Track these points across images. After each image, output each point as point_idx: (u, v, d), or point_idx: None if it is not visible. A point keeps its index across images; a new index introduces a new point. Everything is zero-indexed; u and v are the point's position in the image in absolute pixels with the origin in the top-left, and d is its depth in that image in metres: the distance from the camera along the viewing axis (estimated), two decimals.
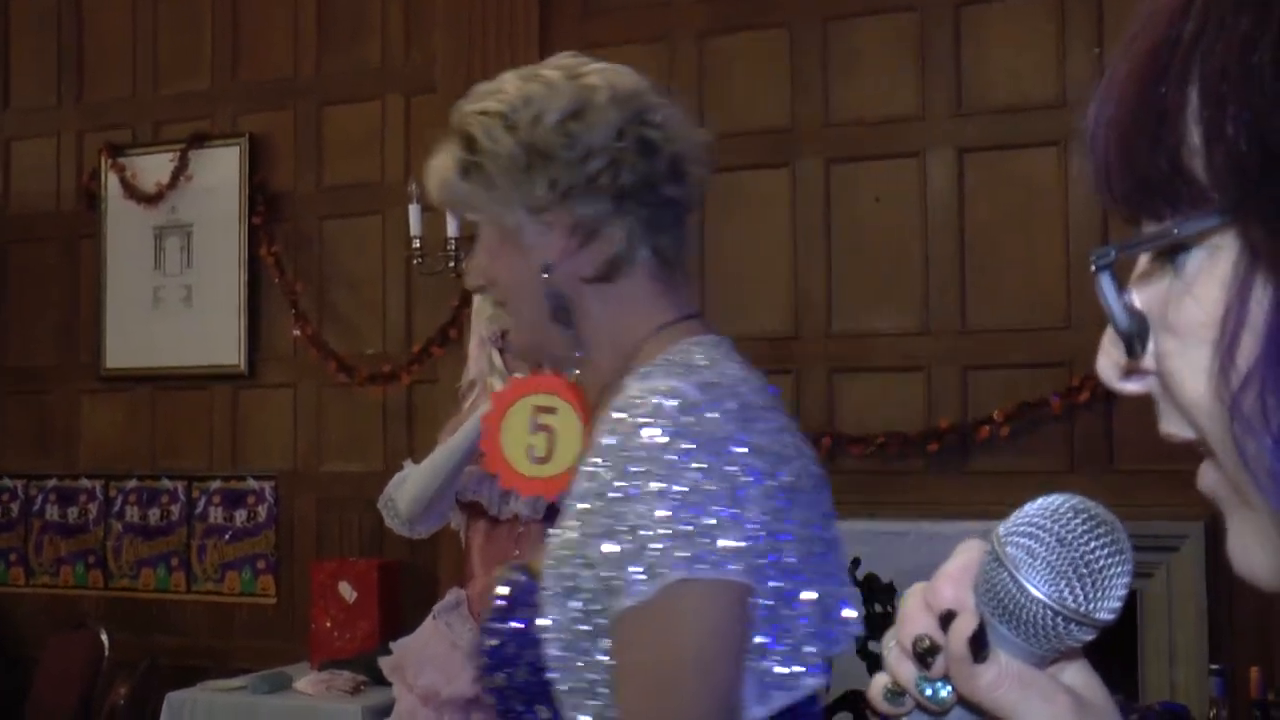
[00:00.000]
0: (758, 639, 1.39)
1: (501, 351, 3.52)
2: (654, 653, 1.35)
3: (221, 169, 5.88)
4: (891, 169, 4.85)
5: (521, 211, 1.50)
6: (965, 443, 4.64)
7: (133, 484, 6.03)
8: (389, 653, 3.72)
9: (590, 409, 1.58)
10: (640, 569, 1.33)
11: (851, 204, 4.88)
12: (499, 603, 1.51)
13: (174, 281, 5.99)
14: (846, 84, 4.91)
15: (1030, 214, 4.66)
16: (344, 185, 5.76)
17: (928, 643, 0.69)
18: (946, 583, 0.70)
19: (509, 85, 1.53)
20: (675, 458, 1.35)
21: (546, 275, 1.51)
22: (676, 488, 1.35)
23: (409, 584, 5.15)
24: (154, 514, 5.98)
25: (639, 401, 1.40)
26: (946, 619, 0.69)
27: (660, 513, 1.34)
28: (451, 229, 4.99)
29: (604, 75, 1.53)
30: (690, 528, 1.34)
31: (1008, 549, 0.68)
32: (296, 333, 5.69)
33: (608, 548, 1.35)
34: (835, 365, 4.88)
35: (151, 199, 5.97)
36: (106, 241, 6.10)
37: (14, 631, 6.14)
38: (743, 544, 1.35)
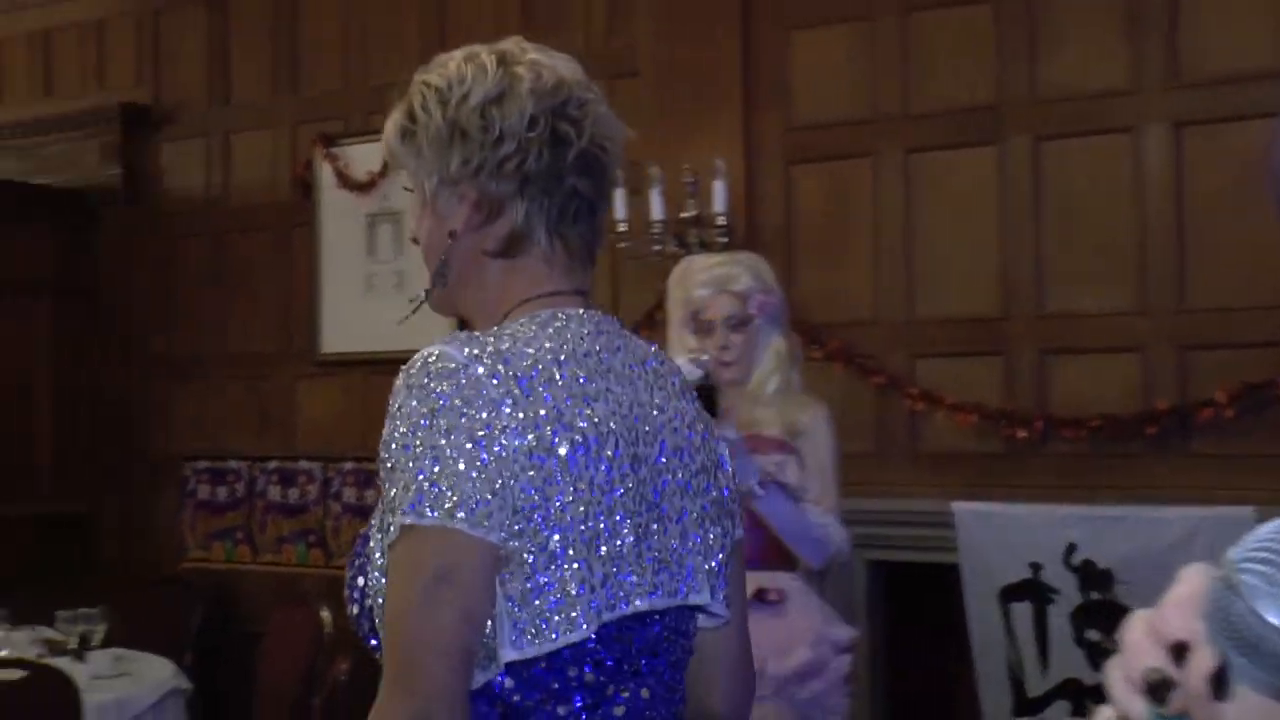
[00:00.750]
0: (508, 587, 1.48)
1: (695, 334, 3.57)
2: (391, 590, 1.48)
3: None
4: (1102, 145, 4.78)
5: (438, 181, 1.65)
6: (1185, 425, 4.55)
7: (349, 465, 6.28)
8: None
9: None
10: (390, 514, 1.48)
11: (1061, 182, 4.83)
12: (357, 546, 1.64)
13: (386, 268, 6.20)
14: (1054, 58, 4.85)
15: (1251, 188, 4.54)
16: None
17: (1160, 676, 0.66)
18: (1175, 611, 0.67)
19: (452, 63, 1.67)
20: (404, 407, 1.49)
21: (450, 242, 1.66)
22: (410, 434, 1.48)
23: None
24: (369, 494, 6.21)
25: (415, 358, 1.53)
26: (1179, 651, 0.66)
27: (402, 460, 1.47)
28: (656, 212, 5.09)
29: (533, 66, 1.65)
30: (422, 477, 1.45)
31: (1244, 577, 0.65)
32: None
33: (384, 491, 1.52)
34: (1046, 347, 4.83)
35: (363, 187, 6.20)
36: (321, 230, 6.35)
37: (243, 607, 6.45)
38: (472, 498, 1.45)
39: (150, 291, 6.88)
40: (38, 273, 6.78)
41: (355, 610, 1.62)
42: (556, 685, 1.52)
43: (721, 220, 5.03)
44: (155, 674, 5.09)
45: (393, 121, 1.71)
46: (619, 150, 1.71)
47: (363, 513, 6.22)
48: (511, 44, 1.69)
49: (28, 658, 4.82)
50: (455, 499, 1.45)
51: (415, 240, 1.74)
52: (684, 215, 5.11)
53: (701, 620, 1.69)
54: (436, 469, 1.46)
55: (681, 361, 3.46)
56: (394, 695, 1.46)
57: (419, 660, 1.45)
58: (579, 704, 1.53)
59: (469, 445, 1.47)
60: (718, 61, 5.29)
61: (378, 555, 1.53)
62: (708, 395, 3.41)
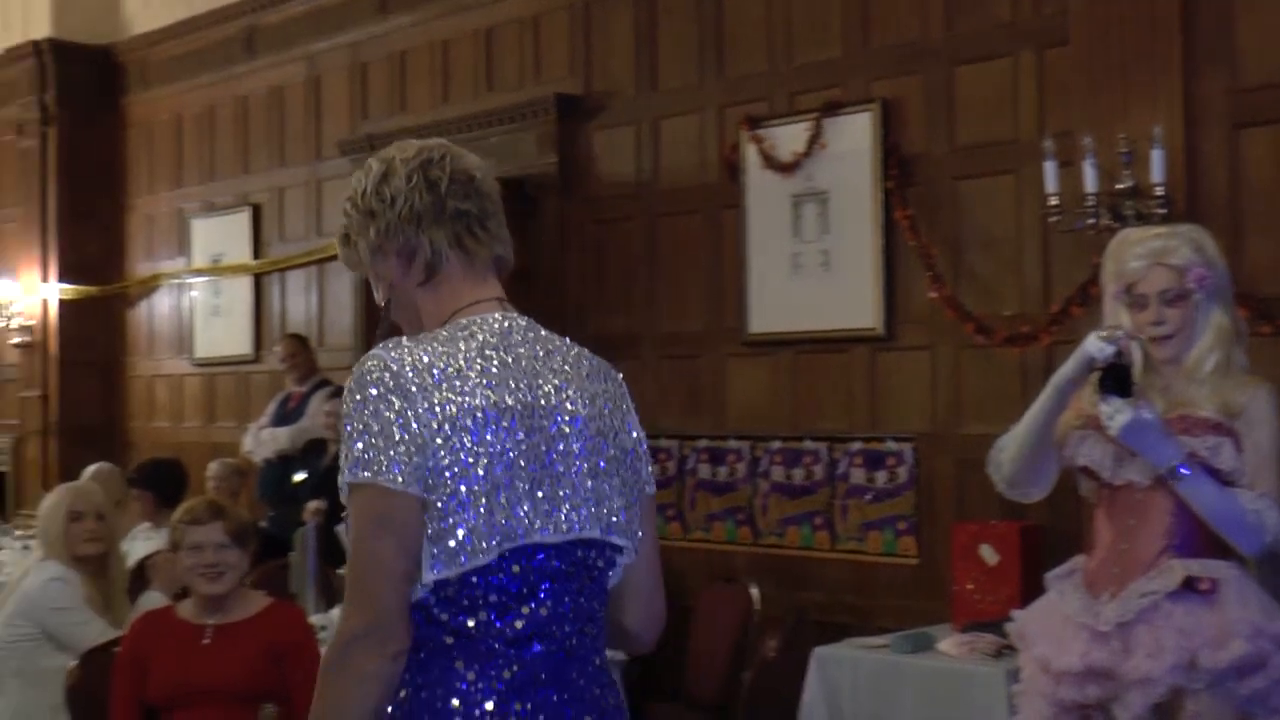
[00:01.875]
0: (427, 527, 2.02)
1: (1128, 308, 3.46)
2: (350, 533, 2.05)
3: (854, 135, 6.07)
4: None
5: (371, 254, 2.23)
6: None
7: (777, 445, 6.37)
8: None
9: None
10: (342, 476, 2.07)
11: None
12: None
13: (811, 248, 6.25)
14: None
15: None
16: (977, 145, 5.79)
17: None
18: None
19: (354, 180, 2.27)
20: (350, 398, 2.07)
21: (396, 290, 2.25)
22: (353, 416, 2.06)
23: (1051, 548, 5.12)
24: (798, 474, 6.28)
25: (361, 360, 2.12)
26: None
27: (346, 436, 2.06)
28: (1089, 184, 4.92)
29: (401, 148, 2.27)
30: (360, 448, 2.03)
31: None
32: (932, 295, 5.78)
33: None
34: None
35: (788, 168, 6.26)
36: (747, 211, 6.45)
37: (673, 582, 6.63)
38: (396, 461, 2.01)
39: (585, 274, 7.17)
40: None
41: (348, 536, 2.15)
42: (466, 602, 2.05)
43: (1159, 191, 4.81)
44: None
45: (353, 194, 2.27)
46: (488, 176, 2.28)
47: (790, 491, 6.29)
48: (390, 149, 2.29)
49: None
50: (384, 462, 2.02)
51: (382, 306, 2.31)
52: (1119, 187, 4.92)
53: (621, 556, 2.21)
54: (370, 441, 2.03)
55: (1091, 339, 3.36)
56: (351, 609, 2.04)
57: (368, 583, 2.03)
58: (488, 615, 2.06)
59: (394, 423, 2.03)
60: (1154, 22, 5.06)
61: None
62: (1120, 373, 3.29)
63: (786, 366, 6.38)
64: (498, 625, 2.06)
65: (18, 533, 8.41)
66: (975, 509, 5.61)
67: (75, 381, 10.23)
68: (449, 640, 2.06)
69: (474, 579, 2.04)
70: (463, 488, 2.03)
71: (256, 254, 9.07)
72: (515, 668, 2.07)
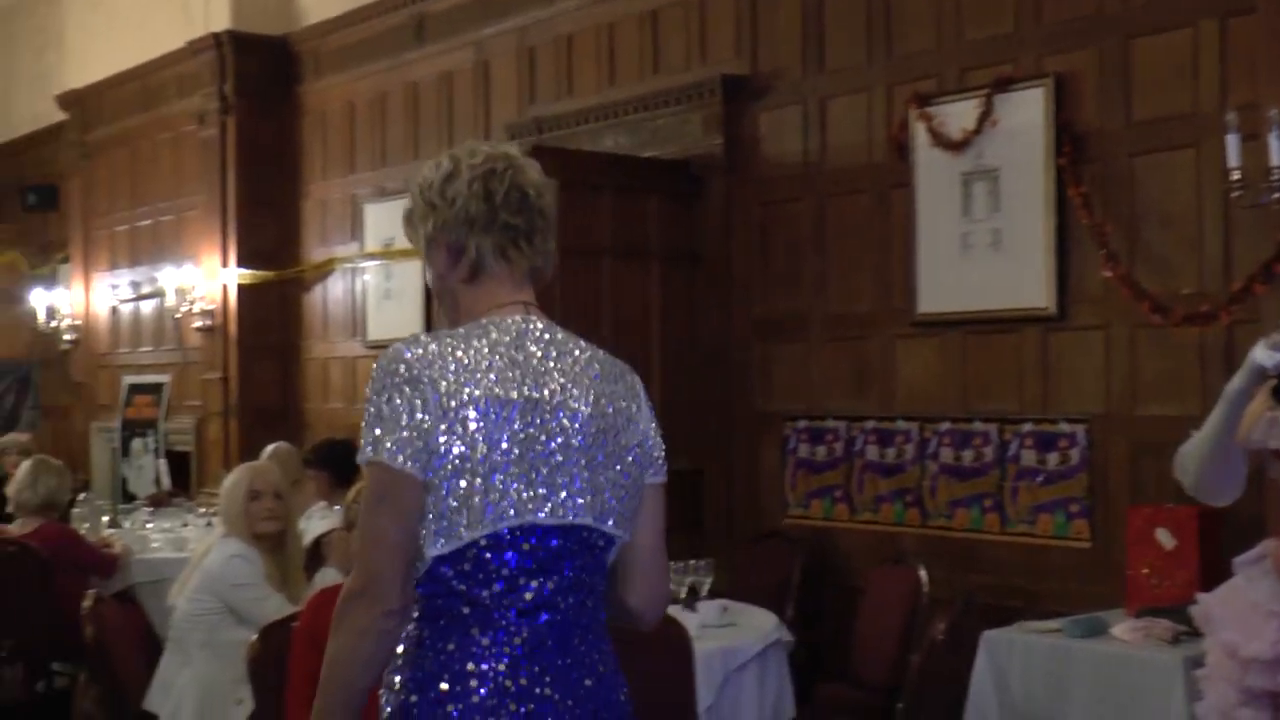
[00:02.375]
0: (431, 506, 2.27)
1: None
2: (361, 504, 2.37)
3: (1026, 111, 5.97)
4: None
5: (425, 243, 2.48)
6: None
7: (946, 426, 6.31)
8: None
9: None
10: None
11: None
12: None
13: (982, 226, 6.17)
14: None
15: None
16: (1154, 119, 5.66)
17: None
18: None
19: (427, 166, 2.49)
20: (370, 386, 2.32)
21: (442, 279, 2.49)
22: (371, 402, 2.31)
23: (1232, 533, 5.00)
24: (967, 455, 6.22)
25: (384, 352, 2.35)
26: None
27: (365, 420, 2.31)
28: (1275, 157, 4.78)
29: (471, 152, 2.47)
30: (378, 431, 2.28)
31: None
32: (1107, 273, 5.67)
33: None
34: None
35: (958, 146, 6.19)
36: (916, 190, 6.40)
37: (841, 562, 6.64)
38: (402, 446, 2.25)
39: (750, 255, 7.17)
40: (647, 239, 7.23)
41: None
42: (481, 576, 2.30)
43: None
44: (759, 625, 5.32)
45: (410, 199, 2.50)
46: (546, 192, 2.48)
47: (960, 473, 6.23)
48: (459, 148, 2.50)
49: None
50: (390, 445, 2.26)
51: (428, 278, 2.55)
52: None
53: (619, 540, 2.43)
54: (380, 426, 2.28)
55: (1260, 348, 3.28)
56: (355, 570, 2.31)
57: (367, 551, 2.29)
58: (499, 588, 2.30)
59: (401, 410, 2.27)
60: None
61: None
62: None
63: (956, 347, 6.31)
64: (509, 597, 2.31)
65: (201, 510, 8.71)
66: (1150, 492, 5.50)
67: (254, 364, 10.53)
68: (466, 610, 2.30)
69: (488, 555, 2.30)
70: (463, 469, 2.28)
71: None
72: (525, 634, 2.32)
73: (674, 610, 5.09)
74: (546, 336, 2.43)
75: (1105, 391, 5.79)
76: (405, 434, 2.26)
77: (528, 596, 2.32)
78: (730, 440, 7.24)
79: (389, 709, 2.34)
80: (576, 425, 2.38)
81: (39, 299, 13.34)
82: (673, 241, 7.29)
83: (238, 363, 10.48)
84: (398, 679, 2.33)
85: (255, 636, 4.45)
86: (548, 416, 2.35)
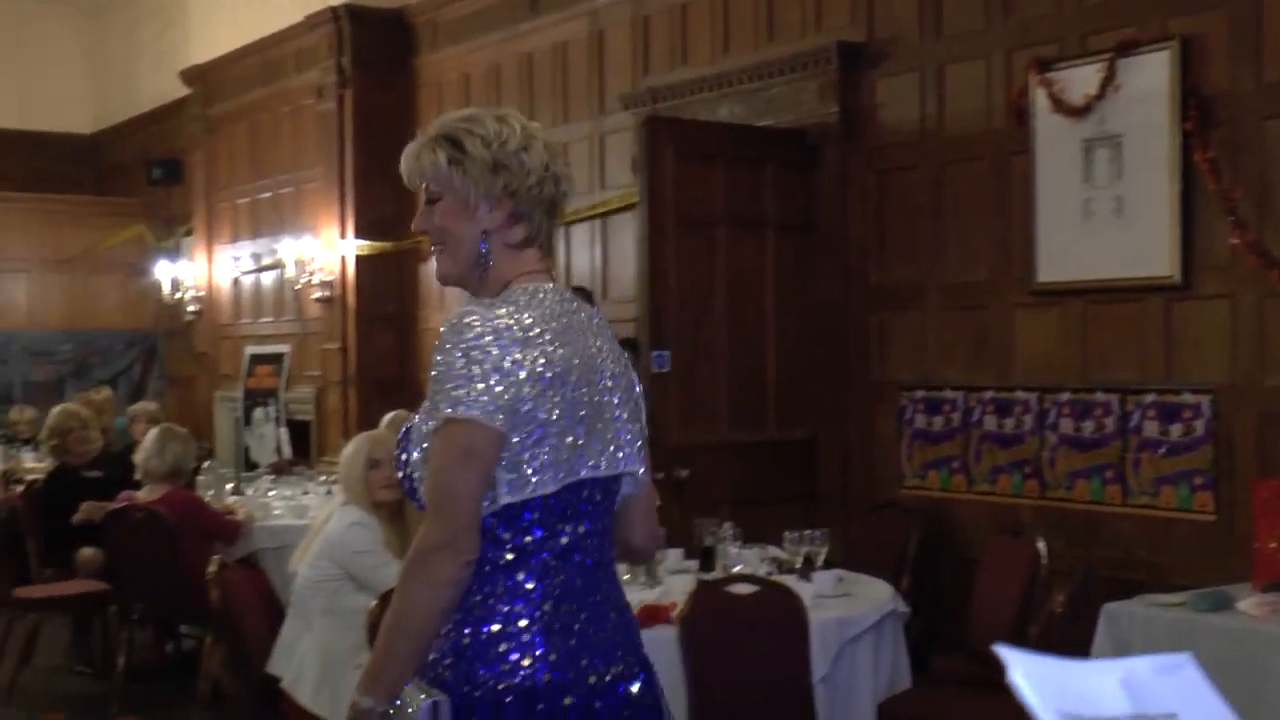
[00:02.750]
0: (507, 458, 2.45)
1: None
2: (436, 458, 2.47)
3: (1151, 75, 5.85)
4: None
5: (481, 195, 2.57)
6: None
7: (1065, 396, 6.22)
8: None
9: None
10: (435, 413, 2.48)
11: None
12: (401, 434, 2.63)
13: (1103, 193, 6.07)
14: None
15: None
16: None
17: None
18: None
19: (487, 119, 2.60)
20: (450, 346, 2.47)
21: (486, 235, 2.59)
22: (453, 363, 2.45)
23: None
24: (1087, 426, 6.13)
25: (453, 316, 2.53)
26: None
27: (445, 379, 2.45)
28: None
29: (538, 131, 2.63)
30: (459, 390, 2.43)
31: None
32: (1234, 240, 5.55)
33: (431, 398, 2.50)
34: None
35: (1079, 111, 6.08)
36: (1036, 157, 6.30)
37: (958, 534, 6.59)
38: (487, 403, 2.42)
39: (867, 223, 7.12)
40: (762, 208, 7.20)
41: (401, 474, 2.60)
42: (523, 524, 2.49)
43: None
44: (875, 595, 5.30)
45: (430, 151, 2.60)
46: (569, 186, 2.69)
47: (1080, 445, 6.15)
48: (516, 117, 2.63)
49: (759, 574, 5.19)
50: (482, 401, 2.42)
51: (420, 233, 2.69)
52: None
53: (625, 485, 2.66)
54: (466, 385, 2.43)
55: None
56: (435, 523, 2.45)
57: (450, 502, 2.44)
58: (540, 535, 2.50)
59: (490, 370, 2.43)
60: None
61: (423, 443, 2.51)
62: None
63: (1076, 316, 6.22)
64: (549, 541, 2.51)
65: (321, 478, 8.86)
66: (1278, 464, 5.39)
67: (371, 334, 10.68)
68: (510, 556, 2.49)
69: (532, 504, 2.49)
70: (540, 429, 2.46)
71: None
72: (562, 576, 2.52)
73: (789, 580, 5.10)
74: (574, 301, 2.65)
75: (1231, 361, 5.68)
76: (497, 389, 2.43)
77: (563, 541, 2.53)
78: (845, 410, 7.21)
79: (436, 653, 2.48)
80: (614, 382, 2.62)
81: (164, 271, 13.63)
82: (788, 210, 7.26)
83: (356, 333, 10.63)
84: (448, 624, 2.48)
85: (374, 602, 4.52)
86: (595, 375, 2.57)
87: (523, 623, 2.47)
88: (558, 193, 2.63)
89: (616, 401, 2.62)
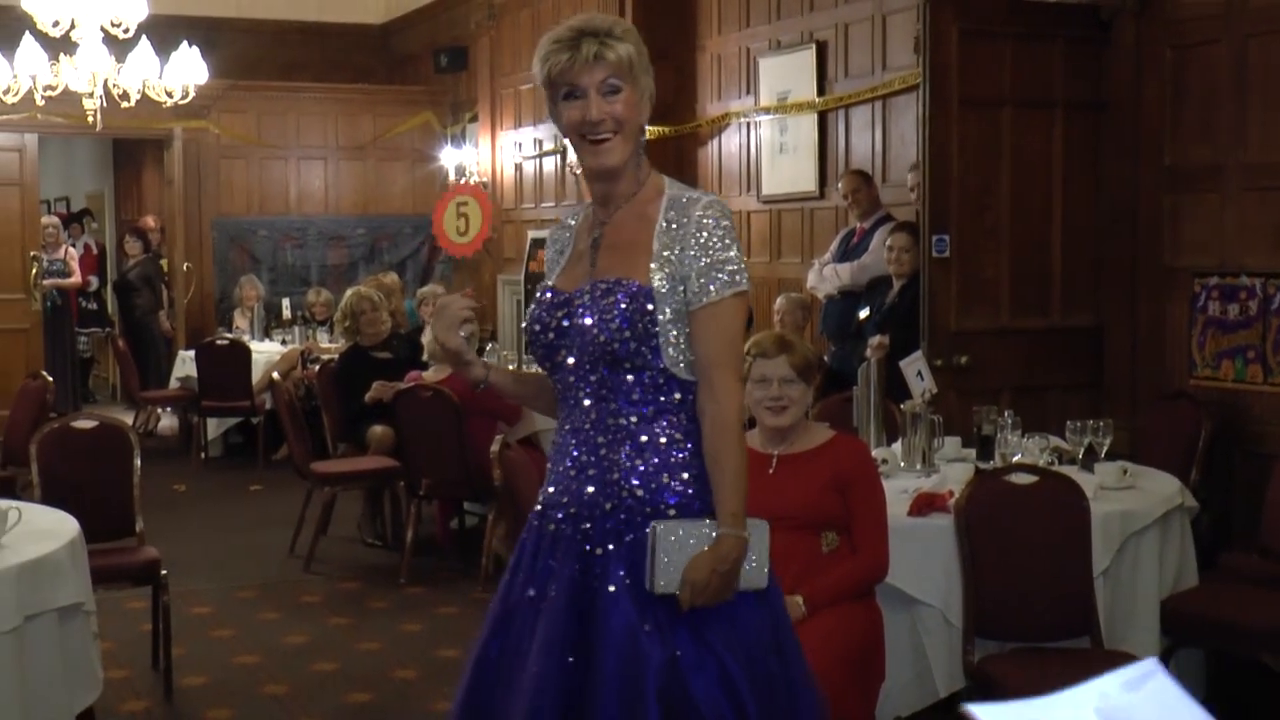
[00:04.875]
0: None
1: None
2: (722, 323, 2.89)
3: None
4: None
5: (643, 92, 2.95)
6: None
7: None
8: None
9: (619, 197, 3.01)
10: (708, 280, 2.88)
11: None
12: (614, 290, 2.92)
13: None
14: None
15: None
16: None
17: None
18: None
19: (635, 40, 2.94)
20: (727, 222, 2.92)
21: (640, 129, 2.97)
22: (732, 237, 2.91)
23: None
24: None
25: (695, 195, 2.94)
26: None
27: (723, 257, 2.88)
28: None
29: None
30: (735, 267, 2.88)
31: None
32: None
33: (698, 269, 2.88)
34: None
35: None
36: None
37: (1253, 427, 6.32)
38: (744, 272, 2.92)
39: (1160, 102, 6.81)
40: (1050, 88, 6.96)
41: (618, 323, 2.86)
42: None
43: None
44: (1161, 489, 5.16)
45: (624, 47, 2.90)
46: None
47: None
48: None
49: (1039, 464, 5.09)
50: (746, 277, 2.92)
51: (600, 122, 2.90)
52: None
53: None
54: (736, 262, 2.89)
55: None
56: (730, 376, 2.89)
57: (738, 360, 2.98)
58: None
59: (738, 247, 2.92)
60: None
61: (668, 305, 2.87)
62: None
63: None
64: None
65: None
66: None
67: None
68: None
69: None
70: None
71: (820, 91, 9.17)
72: None
73: (1070, 471, 5.00)
74: None
75: None
76: (742, 266, 2.93)
77: None
78: (1134, 297, 6.96)
79: (665, 501, 2.87)
80: None
81: (449, 157, 13.99)
82: (1077, 90, 7.00)
83: None
84: (686, 474, 2.89)
85: None
86: None
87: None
88: None
89: None
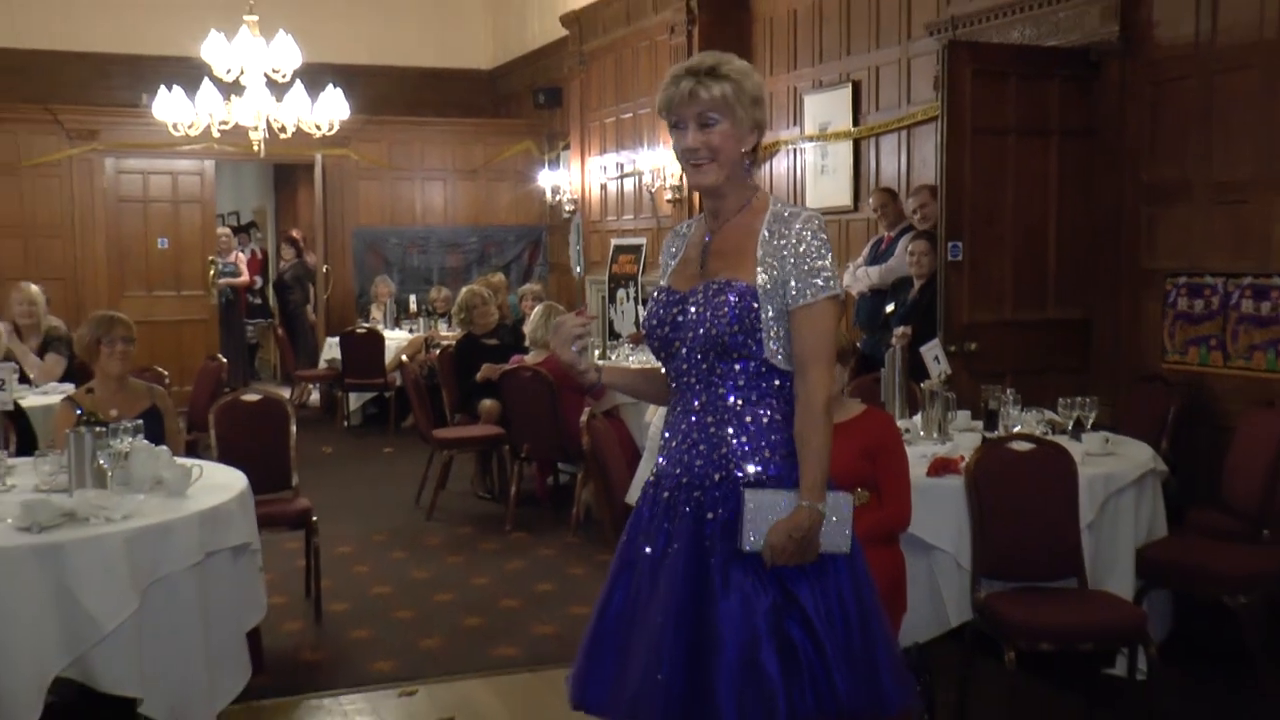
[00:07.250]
0: None
1: None
2: (820, 323, 2.81)
3: None
4: None
5: (749, 122, 2.86)
6: None
7: None
8: None
9: (727, 211, 2.94)
10: (802, 284, 2.81)
11: None
12: (725, 290, 2.85)
13: None
14: None
15: None
16: None
17: None
18: None
19: (745, 67, 2.89)
20: (823, 234, 2.83)
21: (743, 155, 2.88)
22: (827, 246, 2.83)
23: None
24: None
25: (795, 210, 2.86)
26: None
27: (820, 263, 2.81)
28: None
29: None
30: (829, 273, 2.82)
31: None
32: None
33: (797, 275, 2.82)
34: None
35: None
36: None
37: (1214, 404, 6.25)
38: (837, 278, 2.83)
39: (1141, 129, 6.72)
40: (1048, 118, 6.89)
41: (728, 318, 2.80)
42: None
43: None
44: (1137, 455, 5.13)
45: (734, 85, 2.83)
46: None
47: None
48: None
49: (1036, 434, 5.07)
50: (839, 282, 2.84)
51: (694, 150, 2.85)
52: None
53: None
54: (832, 268, 2.83)
55: None
56: (822, 368, 2.80)
57: (830, 354, 2.83)
58: None
59: (832, 255, 2.84)
60: None
61: (772, 304, 2.81)
62: None
63: None
64: None
65: None
66: None
67: None
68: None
69: None
70: None
71: (855, 122, 9.13)
72: None
73: (1062, 439, 4.97)
74: None
75: None
76: (835, 273, 2.85)
77: None
78: (1117, 294, 6.89)
79: (764, 473, 2.81)
80: None
81: (546, 178, 14.06)
82: (1071, 119, 6.92)
83: None
84: (782, 450, 2.82)
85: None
86: None
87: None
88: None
89: None
